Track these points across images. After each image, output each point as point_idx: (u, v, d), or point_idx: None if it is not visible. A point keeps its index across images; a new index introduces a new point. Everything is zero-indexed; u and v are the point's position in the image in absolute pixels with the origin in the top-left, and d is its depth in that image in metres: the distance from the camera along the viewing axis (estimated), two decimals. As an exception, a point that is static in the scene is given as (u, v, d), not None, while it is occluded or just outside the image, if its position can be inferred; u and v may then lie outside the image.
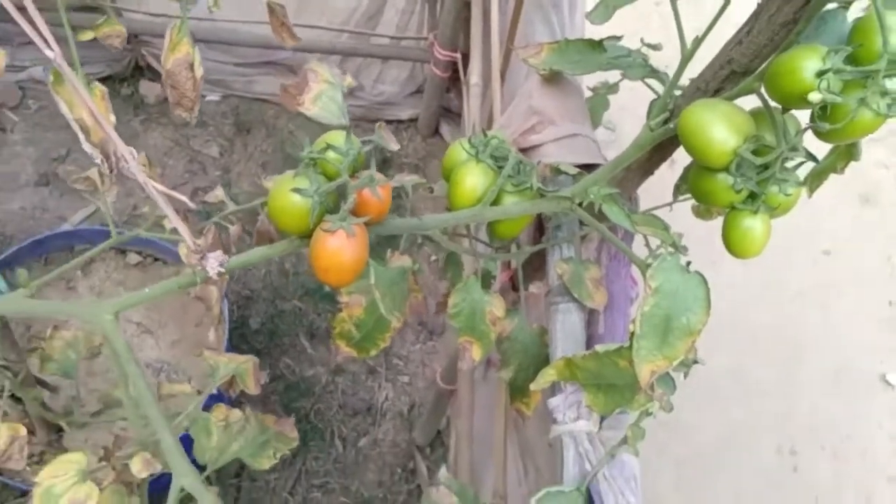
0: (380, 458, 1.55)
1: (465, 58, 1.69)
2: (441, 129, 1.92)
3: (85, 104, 0.50)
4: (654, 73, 0.70)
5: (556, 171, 0.75)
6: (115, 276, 1.34)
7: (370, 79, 1.82)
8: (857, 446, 1.75)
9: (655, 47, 0.76)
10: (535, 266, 0.81)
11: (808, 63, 0.43)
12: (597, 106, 0.92)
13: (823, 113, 0.44)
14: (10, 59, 1.74)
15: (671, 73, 0.75)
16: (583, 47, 0.69)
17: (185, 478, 0.46)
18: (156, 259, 1.38)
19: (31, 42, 1.46)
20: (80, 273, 1.33)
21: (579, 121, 0.80)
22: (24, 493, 1.40)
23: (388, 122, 1.91)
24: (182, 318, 1.36)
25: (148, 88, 1.75)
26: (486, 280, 0.70)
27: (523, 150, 0.83)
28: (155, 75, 1.75)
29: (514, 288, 0.95)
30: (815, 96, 0.43)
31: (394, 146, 0.71)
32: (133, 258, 1.37)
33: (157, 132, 1.75)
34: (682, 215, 0.81)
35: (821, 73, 0.43)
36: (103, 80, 1.72)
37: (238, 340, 1.56)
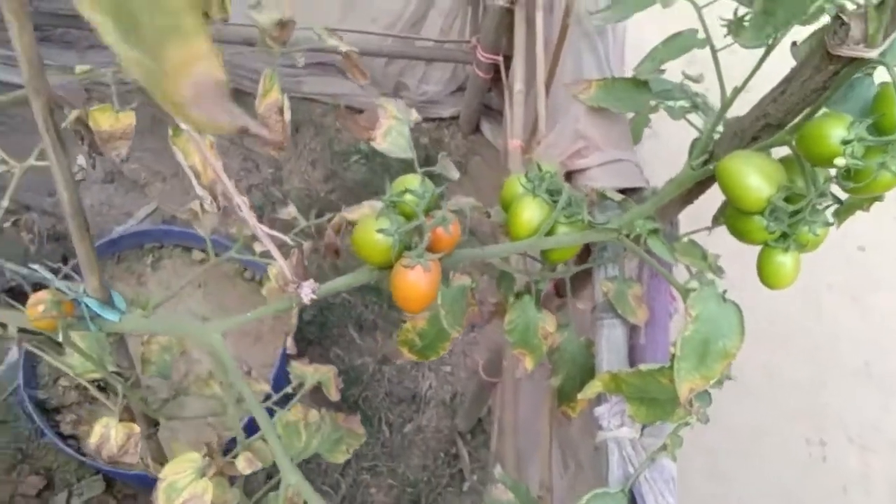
0: (424, 444, 1.64)
1: (507, 60, 1.75)
2: (482, 127, 1.99)
3: (201, 153, 0.58)
4: (695, 107, 0.76)
5: (602, 195, 0.82)
6: (181, 272, 1.44)
7: (414, 79, 1.89)
8: (886, 438, 1.80)
9: (696, 80, 0.82)
10: (581, 278, 0.88)
11: (835, 131, 0.49)
12: (639, 124, 0.98)
13: (848, 174, 0.50)
14: (77, 61, 1.84)
15: (711, 94, 0.81)
16: (628, 86, 0.75)
17: (291, 476, 0.54)
18: (219, 256, 1.48)
19: (94, 46, 1.59)
20: (150, 269, 1.43)
21: (623, 146, 0.86)
22: (98, 472, 1.51)
23: (431, 119, 1.98)
24: (243, 312, 1.45)
25: (204, 89, 1.84)
26: (537, 298, 0.77)
27: (570, 173, 0.89)
28: (210, 77, 1.84)
29: (558, 295, 1.02)
30: (840, 161, 0.49)
31: (454, 175, 0.79)
32: (197, 255, 1.46)
33: (212, 131, 1.84)
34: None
35: (846, 142, 0.49)
36: (163, 83, 1.81)
37: (291, 331, 1.66)
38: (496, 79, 1.81)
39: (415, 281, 0.59)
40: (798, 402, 1.80)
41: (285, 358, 1.35)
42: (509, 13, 1.57)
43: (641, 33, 1.30)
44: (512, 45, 1.62)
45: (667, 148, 1.67)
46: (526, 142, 1.38)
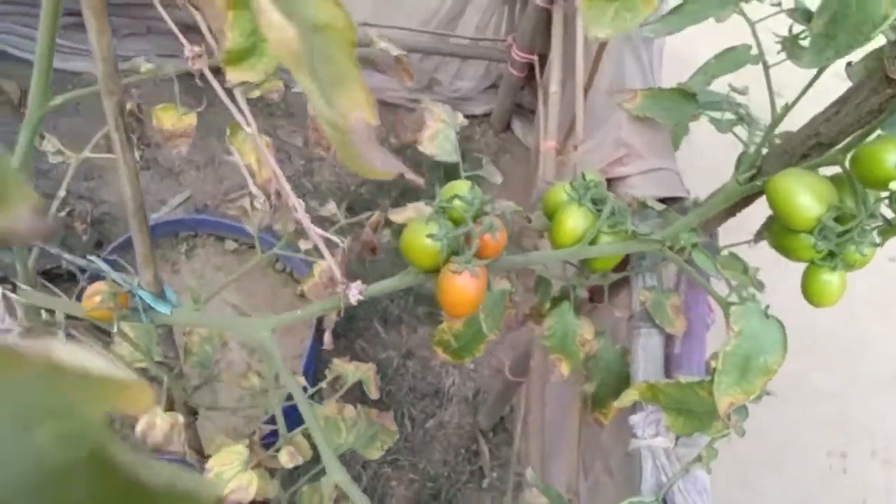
0: (445, 440, 1.65)
1: (542, 59, 1.75)
2: (513, 125, 1.99)
3: (259, 153, 0.59)
4: (741, 120, 0.76)
5: (643, 204, 0.82)
6: (214, 261, 1.46)
7: (448, 75, 1.90)
8: (910, 453, 1.79)
9: (742, 92, 0.82)
10: (617, 285, 0.89)
11: (891, 155, 0.50)
12: (678, 133, 0.98)
13: (903, 197, 0.51)
14: (115, 49, 1.87)
15: (752, 104, 0.81)
16: (676, 96, 0.75)
17: (337, 474, 0.55)
18: (251, 246, 1.50)
19: (133, 34, 1.61)
20: (184, 258, 1.45)
21: (665, 155, 0.87)
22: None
23: (463, 116, 1.98)
24: (273, 303, 1.48)
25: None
26: (575, 304, 0.78)
27: (611, 180, 0.90)
28: (246, 68, 1.86)
29: (591, 300, 1.03)
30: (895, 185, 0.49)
31: (497, 180, 0.79)
32: (230, 245, 1.48)
33: (246, 122, 1.86)
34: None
35: (902, 166, 0.49)
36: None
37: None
38: (529, 77, 1.81)
39: (462, 286, 0.60)
40: (824, 413, 1.79)
41: (314, 350, 1.37)
42: (547, 13, 1.57)
43: (675, 41, 1.30)
44: (547, 45, 1.62)
45: (702, 156, 1.66)
46: (560, 143, 1.39)
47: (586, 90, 1.24)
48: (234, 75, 0.37)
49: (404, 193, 1.87)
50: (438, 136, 0.72)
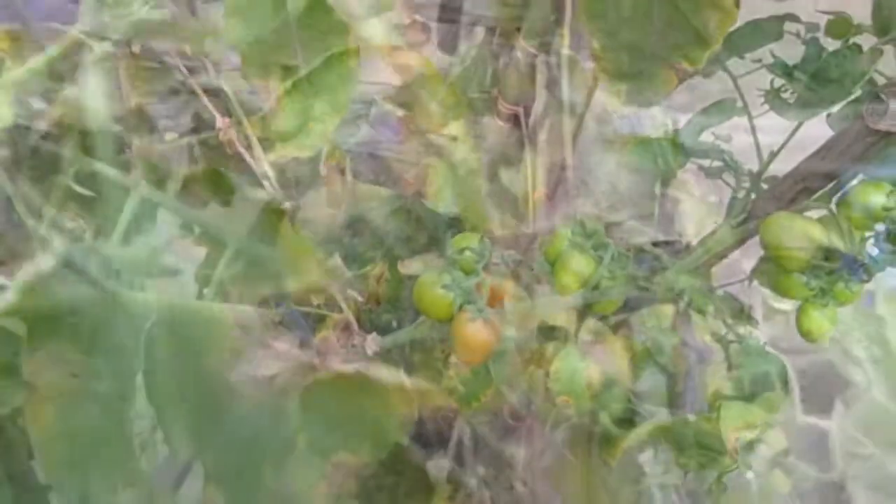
0: (445, 487, 1.65)
1: (526, 110, 1.81)
2: (499, 173, 2.04)
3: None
4: (728, 167, 0.81)
5: (638, 249, 0.86)
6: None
7: (434, 127, 1.95)
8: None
9: (725, 139, 0.86)
10: (616, 326, 0.91)
11: (875, 198, 0.54)
12: (666, 178, 1.02)
13: (888, 237, 0.54)
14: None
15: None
16: (666, 146, 0.80)
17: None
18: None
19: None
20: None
21: (655, 200, 0.91)
22: None
23: (450, 166, 2.03)
24: (270, 356, 1.48)
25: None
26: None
27: (606, 225, 0.93)
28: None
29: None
30: (881, 227, 0.53)
31: (499, 231, 0.82)
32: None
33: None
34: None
35: (887, 209, 0.53)
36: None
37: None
38: (514, 126, 1.87)
39: (476, 332, 0.62)
40: (805, 452, 1.82)
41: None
42: (531, 68, 1.63)
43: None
44: (531, 96, 1.68)
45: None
46: (550, 190, 1.43)
47: (575, 140, 1.28)
48: (285, 151, 0.40)
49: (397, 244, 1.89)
50: (442, 190, 0.76)
